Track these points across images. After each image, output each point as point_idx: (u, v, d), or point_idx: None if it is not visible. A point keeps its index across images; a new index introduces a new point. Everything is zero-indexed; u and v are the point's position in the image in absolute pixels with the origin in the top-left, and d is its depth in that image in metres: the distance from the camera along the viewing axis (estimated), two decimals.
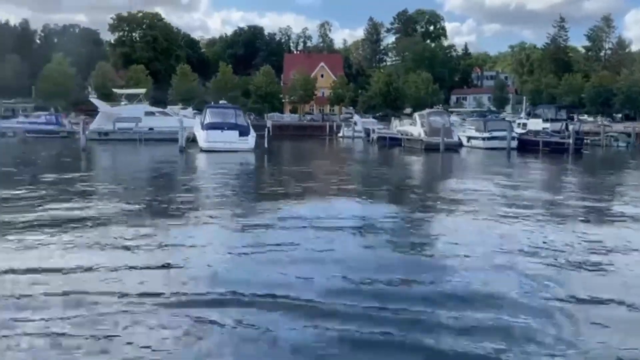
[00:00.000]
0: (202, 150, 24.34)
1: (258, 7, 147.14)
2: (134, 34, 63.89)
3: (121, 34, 64.35)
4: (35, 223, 7.85)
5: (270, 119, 49.93)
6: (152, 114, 35.13)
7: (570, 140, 26.17)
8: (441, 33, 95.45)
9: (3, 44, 63.23)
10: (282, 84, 61.89)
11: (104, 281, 5.24)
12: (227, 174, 16.35)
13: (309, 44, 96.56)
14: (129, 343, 3.88)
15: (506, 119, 39.90)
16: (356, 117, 47.76)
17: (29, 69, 59.80)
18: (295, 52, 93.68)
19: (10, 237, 6.92)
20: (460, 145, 29.85)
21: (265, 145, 24.72)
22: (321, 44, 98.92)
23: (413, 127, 30.86)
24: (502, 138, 27.28)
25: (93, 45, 73.58)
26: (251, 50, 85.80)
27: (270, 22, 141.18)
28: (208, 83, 55.03)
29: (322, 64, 66.83)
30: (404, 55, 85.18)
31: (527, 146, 28.30)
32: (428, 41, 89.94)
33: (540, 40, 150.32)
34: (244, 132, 25.19)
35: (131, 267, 5.71)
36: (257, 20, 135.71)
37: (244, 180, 15.97)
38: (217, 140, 24.21)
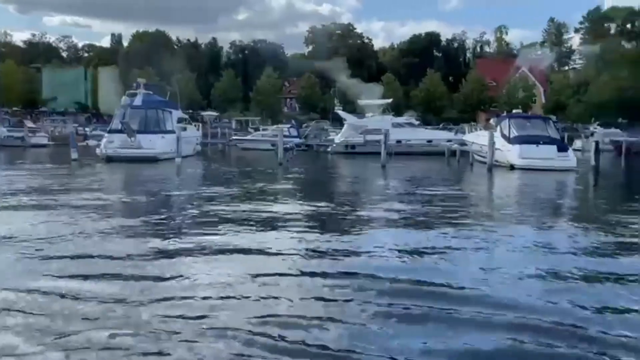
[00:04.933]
0: (513, 168, 21.32)
1: (398, 17, 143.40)
2: (328, 46, 64.15)
3: (314, 46, 64.98)
4: None
5: None
6: (399, 125, 33.27)
7: None
8: None
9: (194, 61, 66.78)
10: None
11: None
12: None
13: (486, 49, 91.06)
14: None
15: None
16: (594, 127, 42.51)
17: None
18: (469, 57, 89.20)
19: None
20: None
21: (592, 162, 20.89)
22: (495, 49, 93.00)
23: None
24: None
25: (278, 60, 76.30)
26: (427, 58, 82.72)
27: (411, 30, 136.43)
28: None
29: (523, 68, 61.48)
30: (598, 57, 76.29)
31: None
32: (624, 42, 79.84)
33: None
34: (562, 147, 21.84)
35: None
36: (396, 30, 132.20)
37: None
38: (533, 157, 21.05)
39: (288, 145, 27.25)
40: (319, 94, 53.83)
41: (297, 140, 35.10)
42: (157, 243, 7.09)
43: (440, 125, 48.48)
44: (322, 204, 11.71)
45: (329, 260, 6.42)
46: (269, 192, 14.35)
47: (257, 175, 20.10)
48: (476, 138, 26.37)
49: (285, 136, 35.53)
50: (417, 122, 41.23)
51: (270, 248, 6.94)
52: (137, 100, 24.05)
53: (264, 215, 9.76)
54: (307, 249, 6.96)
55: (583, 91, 56.86)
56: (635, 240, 8.15)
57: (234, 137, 39.37)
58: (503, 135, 22.78)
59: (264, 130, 41.09)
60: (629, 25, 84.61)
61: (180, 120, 25.94)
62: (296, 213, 10.26)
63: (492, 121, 27.36)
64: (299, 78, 66.82)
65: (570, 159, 21.35)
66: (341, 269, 6.01)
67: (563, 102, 51.28)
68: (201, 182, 17.33)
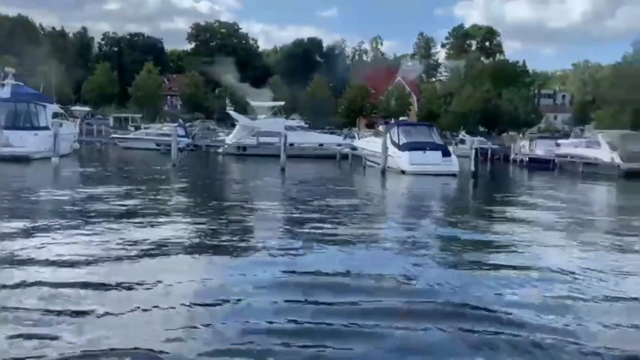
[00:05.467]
0: (404, 174, 22.45)
1: (278, 20, 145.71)
2: (212, 44, 62.38)
3: (198, 43, 62.80)
4: None
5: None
6: (292, 128, 33.32)
7: None
8: (497, 50, 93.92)
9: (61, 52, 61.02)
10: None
11: None
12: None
13: (364, 57, 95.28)
14: None
15: None
16: (463, 135, 46.50)
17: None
18: (348, 64, 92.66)
19: None
20: None
21: (472, 167, 22.71)
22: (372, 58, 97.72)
23: (594, 150, 28.69)
24: None
25: (157, 54, 72.48)
26: (310, 62, 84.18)
27: (290, 35, 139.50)
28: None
29: (399, 78, 65.29)
30: (463, 72, 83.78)
31: None
32: (482, 58, 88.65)
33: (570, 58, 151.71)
34: (446, 153, 23.44)
35: None
36: (276, 33, 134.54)
37: None
38: (421, 163, 22.37)
39: (180, 146, 25.94)
40: (203, 93, 52.09)
41: (186, 140, 33.64)
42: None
43: (326, 129, 49.73)
44: (246, 212, 11.35)
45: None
46: (170, 198, 13.48)
47: (151, 177, 18.81)
48: (366, 144, 27.43)
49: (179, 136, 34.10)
50: (306, 125, 41.89)
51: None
52: (5, 92, 21.27)
53: (170, 228, 8.82)
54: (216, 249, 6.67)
55: (449, 101, 61.97)
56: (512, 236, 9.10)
57: (115, 136, 36.61)
58: (393, 142, 23.87)
59: (145, 128, 38.79)
60: (487, 43, 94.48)
61: (55, 116, 23.44)
62: (221, 226, 9.71)
63: (381, 128, 28.59)
64: (178, 75, 64.37)
65: (453, 163, 23.01)
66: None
67: (435, 111, 55.48)
68: (86, 185, 15.64)
